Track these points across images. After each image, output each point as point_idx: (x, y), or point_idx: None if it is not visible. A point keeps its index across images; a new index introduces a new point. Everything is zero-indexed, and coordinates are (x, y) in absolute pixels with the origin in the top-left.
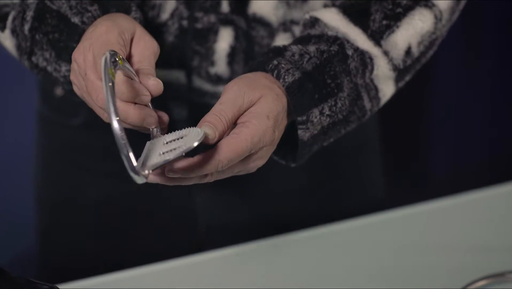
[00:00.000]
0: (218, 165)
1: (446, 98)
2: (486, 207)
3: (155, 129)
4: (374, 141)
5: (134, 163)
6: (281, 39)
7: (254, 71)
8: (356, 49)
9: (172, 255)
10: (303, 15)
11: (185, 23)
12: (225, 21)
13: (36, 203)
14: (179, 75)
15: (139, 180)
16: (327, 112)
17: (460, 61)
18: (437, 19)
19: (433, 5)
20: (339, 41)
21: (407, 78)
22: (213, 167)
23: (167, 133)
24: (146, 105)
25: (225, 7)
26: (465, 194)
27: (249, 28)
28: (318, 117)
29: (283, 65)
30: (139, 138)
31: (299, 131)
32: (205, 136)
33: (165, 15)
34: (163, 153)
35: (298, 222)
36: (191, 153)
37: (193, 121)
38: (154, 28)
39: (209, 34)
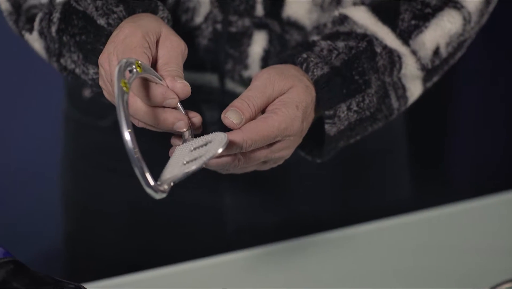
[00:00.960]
0: (242, 145)
1: (472, 100)
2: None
3: (186, 132)
4: (400, 144)
5: (150, 179)
6: None
7: (283, 63)
8: (385, 47)
9: (199, 256)
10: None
11: (219, 26)
12: (259, 24)
13: (63, 204)
14: (212, 79)
15: (157, 196)
16: (355, 108)
17: (486, 63)
18: (466, 20)
19: (462, 6)
20: (368, 38)
21: (435, 78)
22: (237, 146)
23: (199, 136)
24: (176, 108)
25: (259, 10)
26: (491, 196)
27: (283, 31)
28: (345, 112)
29: (312, 59)
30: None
31: (326, 126)
32: (231, 126)
33: (199, 19)
34: (186, 163)
35: (325, 224)
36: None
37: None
38: (188, 31)
39: (243, 37)
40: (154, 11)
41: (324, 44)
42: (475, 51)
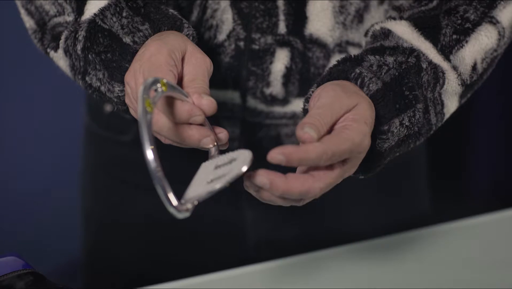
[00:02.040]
0: (322, 156)
1: (493, 110)
2: None
3: (213, 148)
4: (420, 156)
5: (173, 199)
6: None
7: (335, 79)
8: (430, 62)
9: (219, 269)
10: (361, 34)
11: (241, 44)
12: (282, 42)
13: (82, 217)
14: (234, 96)
15: (180, 216)
16: (406, 123)
17: (508, 71)
18: (501, 35)
19: (498, 21)
20: (416, 53)
21: (469, 95)
22: (318, 155)
23: (226, 151)
24: (203, 125)
25: (282, 28)
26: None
27: (305, 49)
28: (398, 128)
29: (365, 74)
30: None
31: (379, 142)
32: (310, 136)
33: (222, 36)
34: (211, 181)
35: (345, 237)
36: (240, 178)
37: (246, 140)
38: (210, 48)
39: (266, 55)
40: (179, 29)
41: (372, 59)
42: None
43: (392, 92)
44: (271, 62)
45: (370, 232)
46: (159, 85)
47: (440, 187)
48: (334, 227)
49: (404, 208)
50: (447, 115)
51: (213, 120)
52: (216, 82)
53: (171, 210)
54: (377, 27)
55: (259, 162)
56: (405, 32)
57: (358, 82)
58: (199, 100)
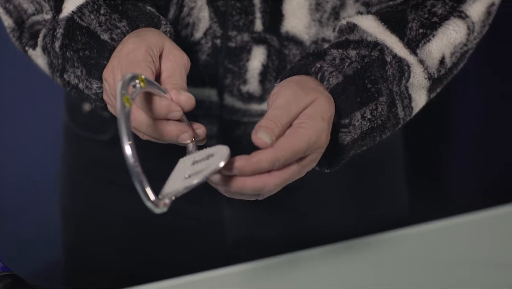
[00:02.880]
0: (275, 163)
1: (472, 109)
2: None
3: (191, 144)
4: (397, 155)
5: (150, 194)
6: None
7: (296, 74)
8: (395, 56)
9: (198, 269)
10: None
11: (218, 41)
12: (258, 40)
13: (62, 217)
14: (211, 93)
15: (157, 211)
16: (368, 116)
17: (486, 69)
18: (470, 30)
19: (467, 16)
20: (379, 47)
21: (439, 89)
22: (270, 164)
23: (204, 147)
24: (181, 121)
25: (258, 25)
26: (492, 209)
27: (281, 46)
28: (359, 121)
29: (326, 68)
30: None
31: (340, 135)
32: (263, 142)
33: (198, 34)
34: (188, 177)
35: (323, 237)
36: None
37: (223, 138)
38: (187, 46)
39: (242, 52)
40: (157, 26)
41: (335, 52)
42: (473, 57)
43: (353, 86)
44: (247, 60)
45: (350, 232)
46: (137, 81)
47: (418, 186)
48: (312, 226)
49: (383, 208)
50: (416, 109)
51: (191, 118)
52: (193, 80)
53: (149, 205)
54: (344, 22)
55: None
56: (370, 26)
57: (318, 77)
58: (177, 96)
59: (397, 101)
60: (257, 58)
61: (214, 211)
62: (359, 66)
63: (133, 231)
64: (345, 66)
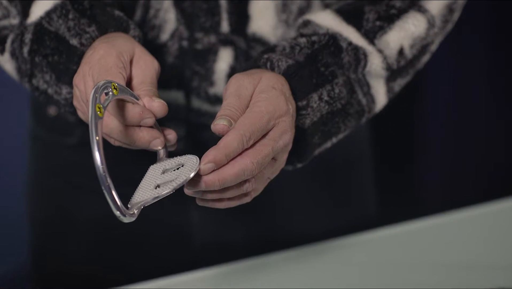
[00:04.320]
0: (242, 140)
1: (440, 112)
2: (484, 223)
3: (161, 150)
4: (367, 157)
5: (119, 204)
6: None
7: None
8: (350, 43)
9: (166, 272)
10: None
11: (185, 43)
12: (225, 41)
13: (29, 221)
14: (178, 96)
15: (125, 220)
16: (325, 98)
17: (453, 67)
18: (430, 24)
19: (426, 10)
20: (331, 34)
21: (400, 81)
22: (239, 142)
23: (172, 155)
24: (152, 127)
25: (225, 27)
26: (461, 210)
27: (248, 48)
28: (317, 102)
29: (273, 56)
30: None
31: (300, 118)
32: (222, 129)
33: (165, 36)
34: (157, 186)
35: (292, 240)
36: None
37: (191, 141)
38: (154, 48)
39: (209, 54)
40: (125, 30)
41: (285, 43)
42: (440, 54)
43: (306, 69)
44: (214, 62)
45: (319, 234)
46: (110, 89)
47: (388, 187)
48: (281, 229)
49: (352, 209)
50: (377, 98)
51: (158, 122)
52: (160, 82)
53: (117, 214)
54: (300, 20)
55: None
56: (326, 19)
57: (268, 66)
58: (150, 103)
59: (356, 88)
60: (224, 60)
61: (182, 214)
62: (309, 51)
63: (100, 235)
64: (296, 53)
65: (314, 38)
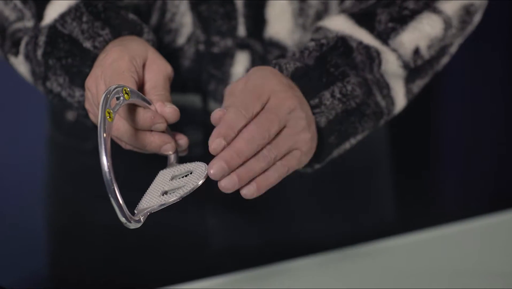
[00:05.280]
0: (239, 110)
1: (458, 118)
2: (503, 231)
3: (172, 155)
4: (384, 163)
5: (125, 210)
6: None
7: None
8: (360, 42)
9: (181, 278)
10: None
11: (201, 47)
12: (242, 45)
13: (47, 226)
14: (195, 99)
15: (131, 226)
16: (338, 95)
17: (473, 77)
18: (447, 24)
19: (441, 11)
20: (340, 36)
21: (418, 82)
22: (236, 114)
23: (182, 160)
24: (164, 132)
25: (241, 31)
26: (480, 218)
27: (265, 52)
28: (330, 100)
29: (282, 61)
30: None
31: (316, 116)
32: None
33: (181, 40)
34: (165, 193)
35: (307, 246)
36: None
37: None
38: (170, 52)
39: (226, 58)
40: (139, 34)
41: (295, 49)
42: (459, 59)
43: (316, 71)
44: (231, 65)
45: (334, 241)
46: (121, 93)
47: (406, 194)
48: (296, 235)
49: (369, 217)
50: (397, 100)
51: (175, 125)
52: (177, 86)
53: (123, 221)
54: (314, 27)
55: None
56: (337, 24)
57: (277, 69)
58: (162, 108)
59: (374, 90)
60: (241, 63)
61: (198, 220)
62: (318, 54)
63: (117, 241)
64: (305, 57)
65: (323, 41)
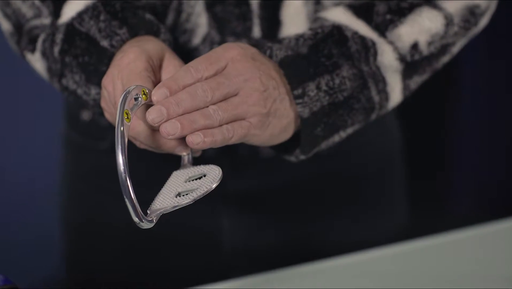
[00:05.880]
0: (189, 69)
1: (474, 120)
2: None
3: (186, 156)
4: (398, 167)
5: (139, 210)
6: None
7: None
8: (356, 32)
9: (195, 279)
10: None
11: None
12: (256, 46)
13: (62, 226)
14: None
15: (144, 226)
16: (324, 88)
17: (489, 79)
18: (448, 20)
19: (441, 7)
20: (336, 25)
21: (416, 78)
22: (186, 72)
23: (196, 162)
24: None
25: (256, 32)
26: (494, 223)
27: None
28: (315, 91)
29: (274, 46)
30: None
31: (298, 107)
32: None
33: (196, 40)
34: (178, 195)
35: (322, 250)
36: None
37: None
38: (185, 52)
39: None
40: (156, 34)
41: (291, 36)
42: (475, 61)
43: (306, 60)
44: None
45: (347, 246)
46: (140, 94)
47: (419, 198)
48: (310, 239)
49: (382, 221)
50: (392, 96)
51: None
52: None
53: (136, 221)
54: (313, 17)
55: (235, 170)
56: (336, 15)
57: (268, 54)
58: None
59: (369, 83)
60: None
61: (212, 220)
62: (312, 43)
63: (132, 241)
64: (299, 45)
65: (318, 30)
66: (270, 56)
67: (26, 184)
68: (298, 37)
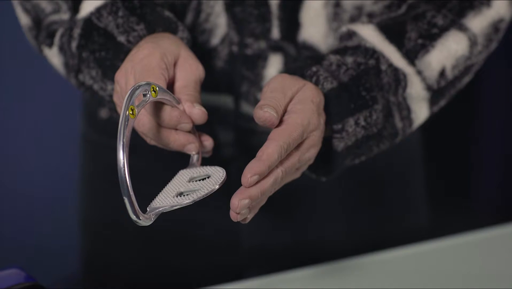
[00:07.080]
0: (281, 152)
1: (495, 120)
2: None
3: (195, 156)
4: (419, 165)
5: (136, 208)
6: None
7: (292, 74)
8: (390, 65)
9: (213, 277)
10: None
11: (235, 48)
12: (275, 47)
13: (81, 224)
14: (227, 100)
15: (141, 223)
16: (362, 123)
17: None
18: (472, 42)
19: (467, 28)
20: (376, 55)
21: (442, 103)
22: (278, 154)
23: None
24: (189, 132)
25: (275, 33)
26: None
27: (298, 55)
28: (353, 127)
29: (321, 73)
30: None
31: (334, 141)
32: (270, 119)
33: (215, 40)
34: (181, 194)
35: (341, 251)
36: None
37: (239, 146)
38: (204, 53)
39: (259, 60)
40: (174, 31)
41: (333, 58)
42: (499, 65)
43: (347, 92)
44: (264, 67)
45: (366, 246)
46: (149, 91)
47: (440, 197)
48: (328, 237)
49: (402, 221)
50: (417, 121)
51: (207, 125)
52: (209, 86)
53: (134, 218)
54: (344, 29)
55: None
56: (369, 35)
57: (313, 80)
58: (190, 109)
59: (394, 112)
60: (274, 66)
61: (230, 219)
62: (355, 73)
63: (149, 239)
64: (341, 73)
65: (360, 59)
66: (316, 84)
67: (45, 182)
68: (341, 64)
